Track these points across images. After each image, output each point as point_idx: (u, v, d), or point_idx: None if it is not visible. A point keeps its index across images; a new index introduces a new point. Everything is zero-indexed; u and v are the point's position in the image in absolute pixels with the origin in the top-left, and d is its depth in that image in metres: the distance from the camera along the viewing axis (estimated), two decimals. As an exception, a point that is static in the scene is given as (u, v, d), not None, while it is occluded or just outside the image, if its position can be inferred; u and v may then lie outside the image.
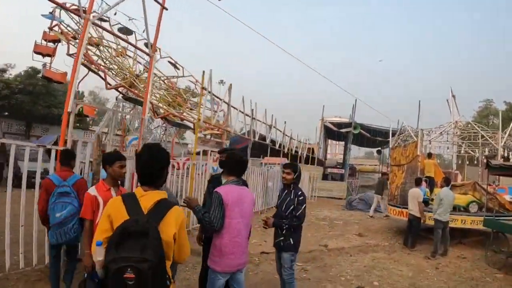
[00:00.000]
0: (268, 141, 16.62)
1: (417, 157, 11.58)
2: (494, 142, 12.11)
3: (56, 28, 20.14)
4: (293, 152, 21.34)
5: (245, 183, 4.59)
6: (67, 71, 21.38)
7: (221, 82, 53.26)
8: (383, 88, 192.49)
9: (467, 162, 17.76)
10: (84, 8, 10.04)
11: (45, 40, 20.74)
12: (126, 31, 27.14)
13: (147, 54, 10.57)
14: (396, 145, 13.78)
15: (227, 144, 25.82)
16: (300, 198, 4.76)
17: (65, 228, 4.53)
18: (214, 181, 4.95)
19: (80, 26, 22.38)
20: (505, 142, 13.87)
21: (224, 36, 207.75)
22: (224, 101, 13.83)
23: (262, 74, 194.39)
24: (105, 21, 25.33)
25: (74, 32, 22.08)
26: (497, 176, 13.88)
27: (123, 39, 15.06)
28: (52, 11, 19.16)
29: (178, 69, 26.10)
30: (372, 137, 30.83)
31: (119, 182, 4.42)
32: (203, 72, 11.71)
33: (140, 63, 27.76)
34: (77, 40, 22.02)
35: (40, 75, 22.09)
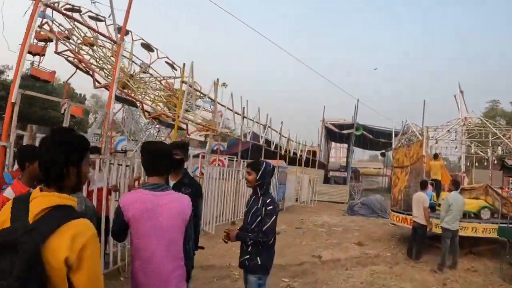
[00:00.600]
0: (262, 142, 15.53)
1: (422, 157, 10.44)
2: (508, 140, 10.90)
3: (45, 26, 19.70)
4: (291, 154, 20.20)
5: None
6: (56, 70, 21.17)
7: (224, 84, 52.36)
8: (386, 88, 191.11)
9: (476, 164, 16.57)
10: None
11: (37, 39, 20.30)
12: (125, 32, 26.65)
13: (114, 42, 9.54)
14: (399, 145, 12.65)
15: (224, 146, 24.99)
16: (269, 208, 3.68)
17: None
18: None
19: (74, 26, 21.96)
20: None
21: (222, 35, 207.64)
22: (210, 98, 12.79)
23: (261, 73, 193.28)
24: (100, 20, 24.89)
25: (67, 32, 21.55)
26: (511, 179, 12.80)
27: (92, 28, 14.09)
28: (43, 9, 18.87)
29: (176, 69, 25.48)
30: (375, 139, 29.64)
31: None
32: (183, 64, 10.69)
33: (135, 63, 27.26)
34: (70, 40, 21.69)
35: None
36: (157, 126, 25.50)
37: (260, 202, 3.72)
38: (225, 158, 18.34)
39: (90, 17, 23.23)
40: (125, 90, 19.67)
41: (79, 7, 23.01)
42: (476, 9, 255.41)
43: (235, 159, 18.80)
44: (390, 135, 29.82)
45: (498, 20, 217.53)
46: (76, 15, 23.39)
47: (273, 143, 17.50)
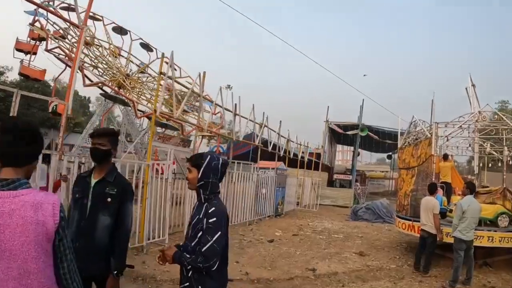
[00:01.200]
0: (258, 142, 14.47)
1: (431, 157, 9.30)
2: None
3: (37, 24, 19.22)
4: (291, 155, 19.09)
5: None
6: (46, 68, 20.51)
7: (228, 87, 51.50)
8: (393, 89, 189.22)
9: (489, 165, 15.35)
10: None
11: (32, 38, 19.99)
12: (120, 30, 26.02)
13: (77, 26, 8.60)
14: (405, 144, 11.48)
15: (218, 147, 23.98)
16: (211, 221, 2.59)
17: None
18: (80, 182, 3.26)
19: (70, 25, 21.38)
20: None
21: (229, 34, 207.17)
22: (192, 90, 11.74)
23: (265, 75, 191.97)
24: (98, 20, 24.33)
25: (62, 31, 21.03)
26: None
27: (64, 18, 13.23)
28: (36, 8, 18.52)
29: (175, 70, 24.82)
30: (381, 140, 28.41)
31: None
32: (162, 54, 9.74)
33: (132, 62, 26.56)
34: (66, 40, 21.10)
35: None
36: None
37: (202, 211, 2.66)
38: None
39: (90, 16, 22.87)
40: (114, 88, 18.72)
41: (102, 16, 22.65)
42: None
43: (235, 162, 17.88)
44: (397, 137, 28.75)
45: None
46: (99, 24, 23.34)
47: (270, 143, 16.39)
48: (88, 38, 21.95)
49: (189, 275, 2.62)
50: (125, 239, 3.21)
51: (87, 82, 18.06)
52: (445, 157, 11.06)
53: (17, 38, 20.25)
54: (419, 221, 8.65)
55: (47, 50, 18.72)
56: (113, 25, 25.08)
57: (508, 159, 12.53)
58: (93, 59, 22.83)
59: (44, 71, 20.05)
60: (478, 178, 16.65)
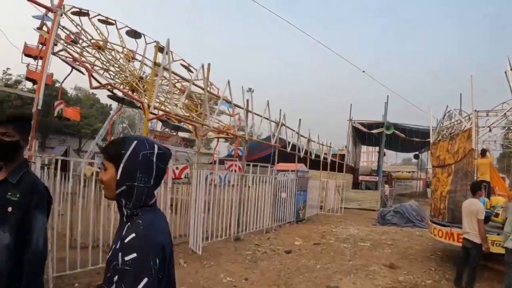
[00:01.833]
0: (273, 142, 13.33)
1: (471, 152, 7.94)
2: None
3: (44, 28, 18.77)
4: (313, 156, 17.86)
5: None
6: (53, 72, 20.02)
7: (250, 90, 50.61)
8: (419, 84, 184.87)
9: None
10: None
11: (41, 43, 19.65)
12: (135, 34, 25.40)
13: (50, 10, 7.68)
14: (438, 139, 10.11)
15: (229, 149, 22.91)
16: (129, 259, 1.43)
17: None
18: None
19: (81, 30, 20.94)
20: None
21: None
22: (210, 93, 10.74)
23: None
24: (111, 24, 23.79)
25: (73, 36, 20.60)
26: None
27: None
28: (45, 12, 18.33)
29: (192, 72, 24.24)
30: (408, 138, 26.85)
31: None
32: (157, 42, 8.73)
33: (146, 65, 25.86)
34: (78, 44, 20.59)
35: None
36: (166, 129, 24.16)
37: (121, 237, 1.54)
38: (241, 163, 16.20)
39: (100, 20, 22.45)
40: (122, 90, 17.97)
41: (87, 10, 22.01)
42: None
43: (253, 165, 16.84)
44: (425, 134, 27.22)
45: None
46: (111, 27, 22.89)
47: (289, 143, 15.22)
48: (100, 43, 21.56)
49: None
50: (35, 265, 2.19)
51: (95, 84, 17.27)
52: (483, 152, 9.65)
53: (25, 43, 19.94)
54: (458, 228, 7.38)
55: (53, 53, 18.15)
56: (127, 28, 24.52)
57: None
58: (104, 62, 22.21)
59: (51, 75, 19.54)
60: (510, 176, 15.18)
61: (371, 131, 26.78)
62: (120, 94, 21.41)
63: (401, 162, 76.01)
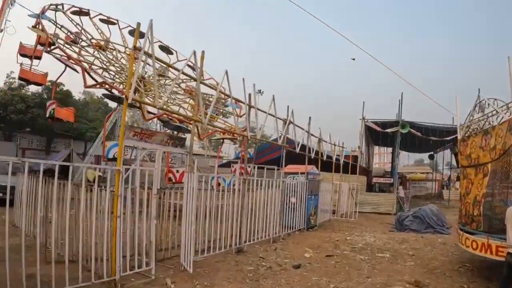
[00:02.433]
0: (280, 142, 12.13)
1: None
2: None
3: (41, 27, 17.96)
4: (324, 157, 16.60)
5: None
6: (48, 71, 19.09)
7: (260, 92, 49.52)
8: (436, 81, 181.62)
9: None
10: None
11: (40, 44, 18.80)
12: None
13: None
14: (467, 134, 8.80)
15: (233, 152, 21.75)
16: None
17: None
18: None
19: (82, 29, 20.12)
20: None
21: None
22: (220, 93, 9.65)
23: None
24: (112, 23, 22.92)
25: (73, 36, 19.79)
26: None
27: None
28: (41, 11, 17.59)
29: (171, 53, 23.45)
30: (425, 137, 25.40)
31: None
32: (138, 24, 7.63)
33: (149, 64, 24.88)
34: (78, 44, 19.74)
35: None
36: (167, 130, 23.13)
37: None
38: (249, 166, 14.99)
39: (101, 20, 21.61)
40: (117, 88, 17.02)
41: (88, 10, 21.17)
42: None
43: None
44: (443, 132, 25.82)
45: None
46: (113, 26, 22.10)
47: (298, 144, 13.98)
48: (102, 42, 20.70)
49: None
50: None
51: (90, 83, 16.31)
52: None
53: (20, 43, 19.09)
54: (499, 239, 6.13)
55: (46, 52, 17.39)
56: (129, 28, 23.70)
57: None
58: (104, 62, 21.30)
59: (46, 74, 18.60)
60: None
61: (386, 130, 25.42)
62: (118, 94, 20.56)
63: (413, 163, 74.63)
